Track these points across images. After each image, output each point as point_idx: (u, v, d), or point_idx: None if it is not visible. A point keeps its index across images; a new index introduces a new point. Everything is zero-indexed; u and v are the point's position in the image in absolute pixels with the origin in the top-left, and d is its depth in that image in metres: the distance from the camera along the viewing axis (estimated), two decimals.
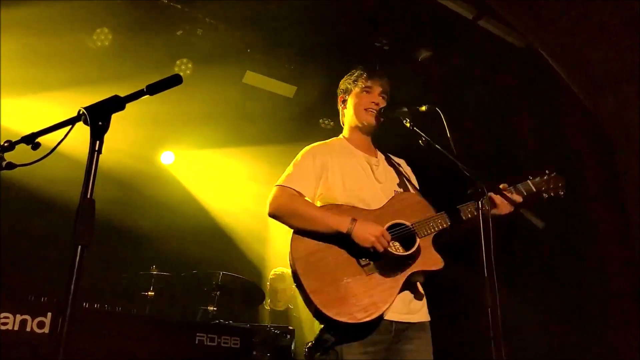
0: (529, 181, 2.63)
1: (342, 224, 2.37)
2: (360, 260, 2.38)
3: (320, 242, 2.40)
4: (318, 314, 2.31)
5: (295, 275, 2.35)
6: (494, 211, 2.51)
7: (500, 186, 2.59)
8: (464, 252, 2.48)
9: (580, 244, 4.84)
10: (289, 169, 2.60)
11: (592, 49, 4.37)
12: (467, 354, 4.76)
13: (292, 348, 4.54)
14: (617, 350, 4.39)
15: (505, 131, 5.45)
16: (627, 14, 4.05)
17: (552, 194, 2.62)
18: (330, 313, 2.25)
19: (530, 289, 4.99)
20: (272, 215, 2.49)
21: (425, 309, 2.55)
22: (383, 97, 2.75)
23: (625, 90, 4.32)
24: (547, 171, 2.66)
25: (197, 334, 3.59)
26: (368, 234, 2.34)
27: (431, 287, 2.57)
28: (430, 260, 2.43)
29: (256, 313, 5.46)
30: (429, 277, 2.49)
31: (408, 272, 2.38)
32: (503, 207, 2.55)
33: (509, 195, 2.56)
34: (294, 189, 2.50)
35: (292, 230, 2.45)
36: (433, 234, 2.46)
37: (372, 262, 2.37)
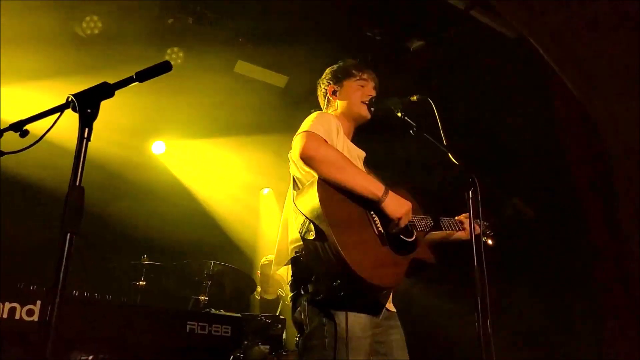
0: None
1: (379, 189, 2.29)
2: (376, 229, 2.30)
3: (344, 198, 2.26)
4: (342, 269, 2.08)
5: (321, 228, 2.14)
6: (459, 234, 2.70)
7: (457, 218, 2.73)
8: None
9: (572, 238, 4.86)
10: (309, 120, 2.42)
11: (586, 43, 4.38)
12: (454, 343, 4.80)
13: (284, 337, 4.56)
14: (608, 343, 4.44)
15: (496, 122, 5.46)
16: (622, 9, 4.05)
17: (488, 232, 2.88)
18: (364, 274, 2.08)
19: (523, 284, 5.01)
20: (308, 157, 2.26)
21: None
22: (375, 90, 2.73)
23: (619, 85, 4.33)
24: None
25: (188, 323, 3.61)
26: (400, 206, 2.29)
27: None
28: (426, 253, 2.46)
29: (247, 302, 5.47)
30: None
31: (411, 256, 2.37)
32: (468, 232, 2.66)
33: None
34: (324, 138, 2.34)
35: (318, 176, 2.27)
36: (423, 232, 2.50)
37: (385, 234, 2.31)
